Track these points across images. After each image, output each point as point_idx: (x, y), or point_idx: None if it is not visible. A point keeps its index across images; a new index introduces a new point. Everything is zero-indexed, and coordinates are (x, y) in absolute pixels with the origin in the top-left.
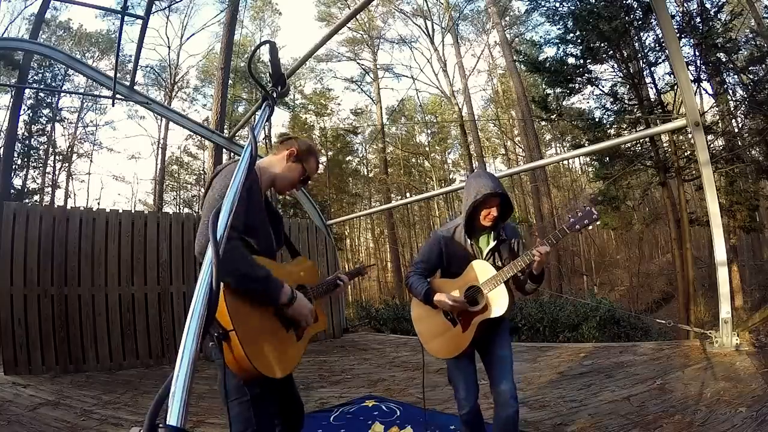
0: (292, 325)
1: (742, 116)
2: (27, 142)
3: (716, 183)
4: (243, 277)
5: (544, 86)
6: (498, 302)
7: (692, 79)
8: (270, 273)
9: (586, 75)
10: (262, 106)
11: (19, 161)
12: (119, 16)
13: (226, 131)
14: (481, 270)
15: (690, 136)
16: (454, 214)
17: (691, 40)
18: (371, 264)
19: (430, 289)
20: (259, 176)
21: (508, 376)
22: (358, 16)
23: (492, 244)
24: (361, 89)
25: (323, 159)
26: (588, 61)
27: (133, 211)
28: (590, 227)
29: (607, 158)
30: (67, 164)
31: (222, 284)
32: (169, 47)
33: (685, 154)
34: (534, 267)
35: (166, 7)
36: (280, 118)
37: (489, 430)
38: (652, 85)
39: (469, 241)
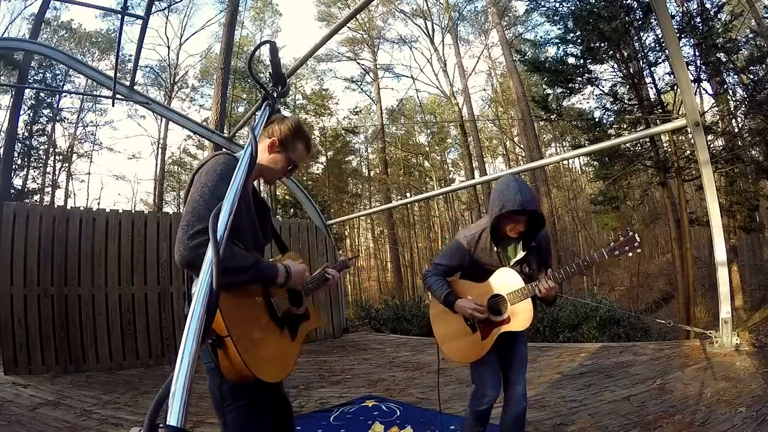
0: (286, 325)
1: (742, 116)
2: (27, 142)
3: (716, 183)
4: (232, 272)
5: (544, 86)
6: (521, 316)
7: (692, 79)
8: (258, 258)
9: (586, 75)
10: (262, 106)
11: (19, 161)
12: (119, 16)
13: (225, 131)
14: (508, 279)
15: (690, 136)
16: (454, 215)
17: (691, 40)
18: (355, 256)
19: (451, 293)
20: None
21: (523, 374)
22: (358, 16)
23: (521, 254)
24: (361, 89)
25: (323, 159)
26: (588, 61)
27: (133, 211)
28: (630, 254)
29: (607, 158)
30: (67, 164)
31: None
32: (168, 47)
33: (685, 154)
34: (540, 296)
35: (166, 8)
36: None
37: (491, 430)
38: (652, 85)
39: (495, 248)
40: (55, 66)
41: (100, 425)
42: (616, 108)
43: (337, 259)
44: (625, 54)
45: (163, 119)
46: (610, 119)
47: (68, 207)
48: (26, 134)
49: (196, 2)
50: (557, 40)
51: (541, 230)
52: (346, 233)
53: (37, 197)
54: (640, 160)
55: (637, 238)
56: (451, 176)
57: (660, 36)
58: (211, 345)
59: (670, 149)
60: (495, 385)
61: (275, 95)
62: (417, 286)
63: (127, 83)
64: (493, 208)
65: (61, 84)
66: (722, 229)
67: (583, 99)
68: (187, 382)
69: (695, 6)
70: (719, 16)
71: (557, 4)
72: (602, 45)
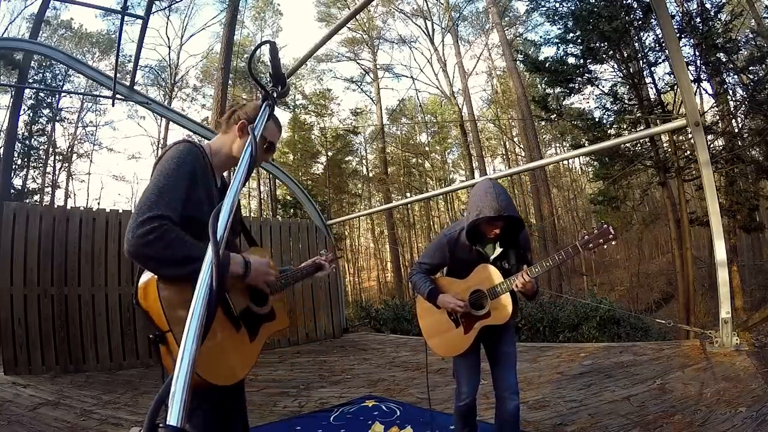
0: (243, 324)
1: (742, 116)
2: (27, 142)
3: (716, 183)
4: (183, 261)
5: (544, 86)
6: (502, 310)
7: (692, 79)
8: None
9: (586, 75)
10: (262, 106)
11: (19, 161)
12: (119, 16)
13: None
14: (488, 275)
15: (690, 136)
16: (454, 215)
17: (691, 40)
18: (338, 256)
19: (435, 288)
20: (209, 160)
21: (511, 372)
22: (357, 16)
23: (498, 251)
24: (361, 89)
25: (323, 159)
26: (588, 61)
27: (133, 211)
28: (605, 247)
29: (607, 158)
30: (67, 164)
31: (157, 279)
32: (169, 47)
33: (685, 154)
34: (520, 291)
35: (166, 7)
36: (280, 119)
37: (485, 428)
38: (652, 85)
39: (474, 246)
40: (55, 66)
41: (100, 425)
42: (616, 108)
43: (338, 261)
44: (625, 54)
45: (163, 119)
46: (610, 119)
47: (68, 207)
48: (26, 134)
49: (196, 2)
50: (557, 40)
51: (520, 231)
52: (346, 233)
53: (37, 197)
54: (640, 160)
55: (611, 230)
56: (451, 176)
57: (660, 36)
58: (153, 341)
59: (670, 149)
60: (471, 383)
61: (275, 95)
62: None
63: (127, 83)
64: (471, 212)
65: (61, 84)
66: (722, 229)
67: (583, 99)
68: (187, 382)
69: (695, 6)
70: (719, 16)
71: (557, 4)
72: (602, 45)
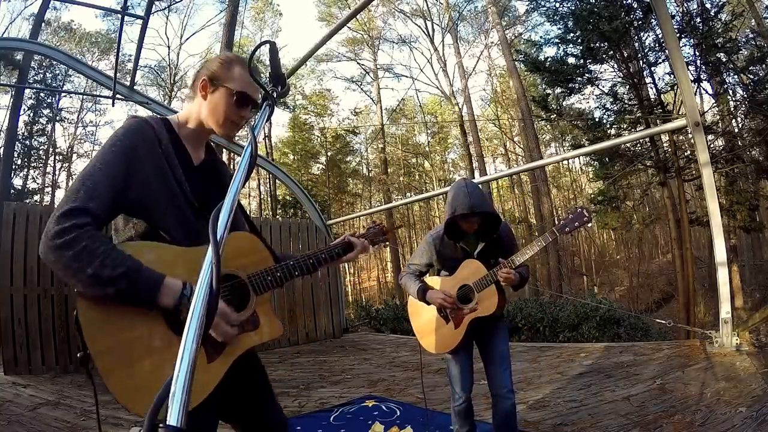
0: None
1: (742, 116)
2: (27, 142)
3: (716, 183)
4: (91, 279)
5: (544, 86)
6: (487, 301)
7: (692, 79)
8: (137, 267)
9: (586, 75)
10: (262, 106)
11: (19, 161)
12: (119, 16)
13: None
14: (473, 269)
15: (690, 136)
16: None
17: (691, 40)
18: (399, 226)
19: (423, 287)
20: (176, 133)
21: (506, 370)
22: (358, 16)
23: (480, 247)
24: (362, 89)
25: (323, 159)
26: (588, 61)
27: None
28: (581, 229)
29: (607, 158)
30: (67, 164)
31: (76, 290)
32: (168, 47)
33: (685, 154)
34: (502, 281)
35: (166, 8)
36: (280, 118)
37: (484, 428)
38: (652, 85)
39: (457, 243)
40: (55, 66)
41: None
42: (616, 108)
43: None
44: (625, 54)
45: None
46: (610, 119)
47: None
48: (26, 134)
49: (196, 2)
50: (557, 40)
51: (498, 225)
52: (346, 233)
53: (37, 197)
54: (640, 160)
55: (586, 213)
56: (451, 176)
57: (660, 36)
58: (80, 360)
59: (670, 149)
60: (463, 383)
61: (275, 95)
62: None
63: (127, 83)
64: (447, 211)
65: (61, 84)
66: (722, 229)
67: (583, 99)
68: (187, 382)
69: (695, 6)
70: (719, 16)
71: (557, 4)
72: (602, 45)
